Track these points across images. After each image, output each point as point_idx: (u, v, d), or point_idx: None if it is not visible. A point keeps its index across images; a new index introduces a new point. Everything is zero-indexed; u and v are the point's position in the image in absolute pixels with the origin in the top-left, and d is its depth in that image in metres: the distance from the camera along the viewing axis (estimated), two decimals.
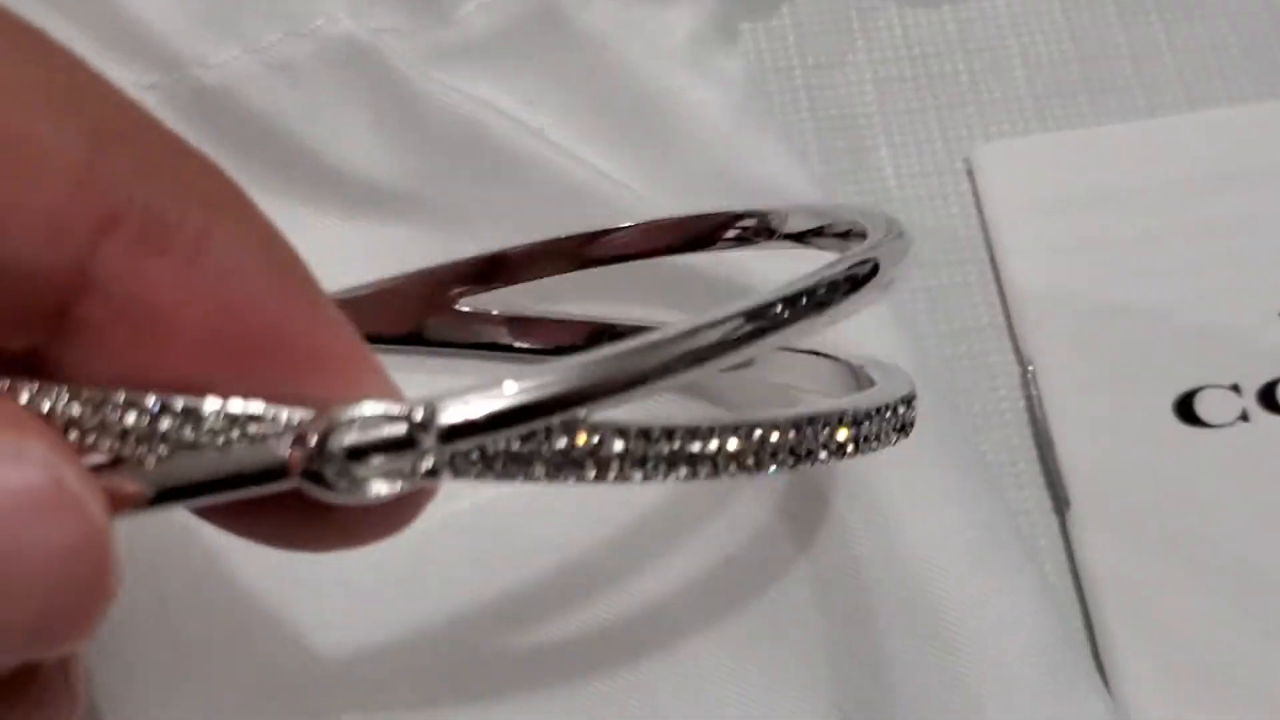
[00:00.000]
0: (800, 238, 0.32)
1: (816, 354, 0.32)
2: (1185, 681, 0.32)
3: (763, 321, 0.23)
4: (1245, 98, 0.39)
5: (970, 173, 0.38)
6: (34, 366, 0.21)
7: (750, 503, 0.33)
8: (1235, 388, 0.34)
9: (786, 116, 0.39)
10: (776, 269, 0.33)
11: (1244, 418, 0.34)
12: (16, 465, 0.19)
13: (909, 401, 0.27)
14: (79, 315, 0.20)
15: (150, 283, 0.20)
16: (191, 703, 0.31)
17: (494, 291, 0.35)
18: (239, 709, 0.31)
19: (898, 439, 0.26)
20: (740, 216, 0.33)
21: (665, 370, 0.22)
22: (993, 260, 0.37)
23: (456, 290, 0.35)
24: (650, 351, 0.22)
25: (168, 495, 0.20)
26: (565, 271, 0.34)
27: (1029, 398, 0.35)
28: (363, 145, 0.35)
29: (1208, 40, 0.40)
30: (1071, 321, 0.35)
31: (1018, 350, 0.36)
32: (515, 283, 0.35)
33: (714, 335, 0.22)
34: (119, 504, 0.20)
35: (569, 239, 0.34)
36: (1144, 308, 0.35)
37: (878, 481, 0.32)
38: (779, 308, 0.24)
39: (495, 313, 0.35)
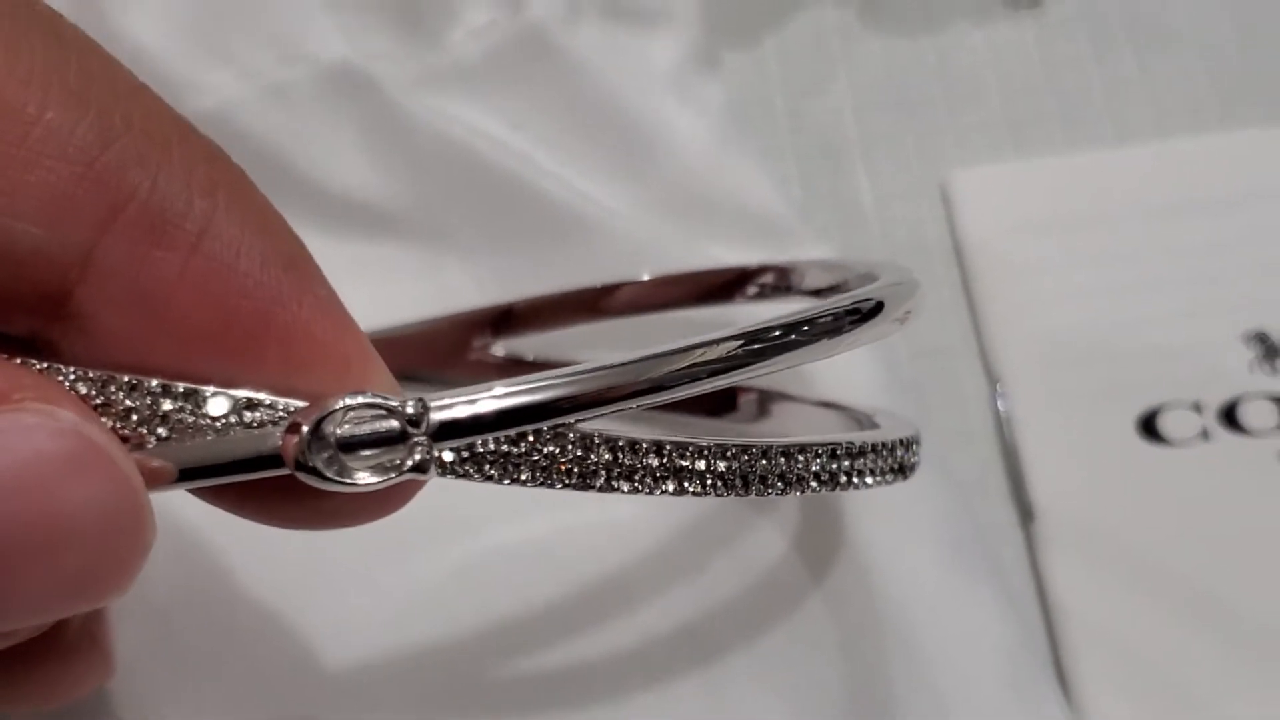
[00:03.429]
0: (818, 294, 0.33)
1: (826, 405, 0.33)
2: (1143, 691, 0.33)
3: (760, 344, 0.23)
4: (1213, 127, 0.40)
5: (945, 197, 0.39)
6: (35, 351, 0.21)
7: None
8: (1196, 407, 0.35)
9: (767, 142, 0.40)
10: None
11: (1204, 436, 0.35)
12: (49, 430, 0.19)
13: (909, 445, 0.27)
14: (80, 301, 0.21)
15: (152, 273, 0.20)
16: (188, 706, 0.31)
17: (511, 339, 0.36)
18: (235, 712, 0.31)
19: (895, 479, 0.27)
20: (759, 271, 0.34)
21: (658, 385, 0.22)
22: (965, 281, 0.38)
23: (477, 340, 0.36)
24: (644, 366, 0.22)
25: None
26: (581, 323, 0.35)
27: (997, 414, 0.36)
28: (353, 167, 0.36)
29: (1178, 71, 0.41)
30: (1039, 341, 0.36)
31: (987, 368, 0.37)
32: (532, 332, 0.35)
33: (710, 354, 0.23)
34: (145, 480, 0.21)
35: (585, 290, 0.35)
36: (1110, 328, 0.36)
37: (846, 495, 0.33)
38: (777, 332, 0.24)
39: (529, 358, 0.36)
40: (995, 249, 0.38)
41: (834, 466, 0.25)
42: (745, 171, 0.37)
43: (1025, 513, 0.35)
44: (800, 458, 0.24)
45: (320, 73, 0.36)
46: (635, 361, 0.22)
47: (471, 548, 0.33)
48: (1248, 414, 0.35)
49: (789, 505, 0.33)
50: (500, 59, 0.37)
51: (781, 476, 0.24)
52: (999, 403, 0.36)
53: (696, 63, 0.38)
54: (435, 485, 0.22)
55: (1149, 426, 0.35)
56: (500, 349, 0.36)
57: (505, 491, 0.29)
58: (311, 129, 0.36)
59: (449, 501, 0.32)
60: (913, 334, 0.37)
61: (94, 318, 0.21)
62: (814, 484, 0.25)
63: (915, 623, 0.32)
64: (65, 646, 0.23)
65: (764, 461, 0.24)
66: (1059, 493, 0.35)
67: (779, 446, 0.24)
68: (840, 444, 0.25)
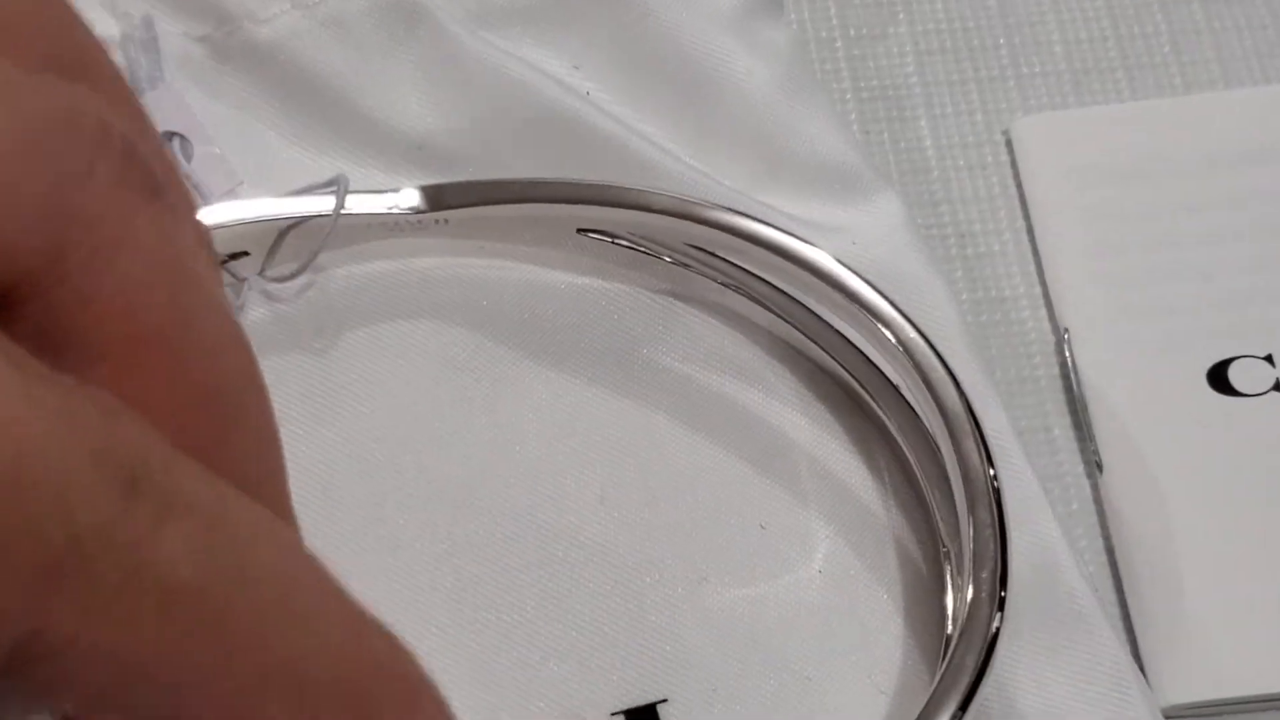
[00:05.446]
0: None
1: None
2: (1212, 643, 0.32)
3: None
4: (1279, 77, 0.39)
5: (1009, 144, 0.38)
6: None
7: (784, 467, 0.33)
8: (1269, 359, 0.35)
9: (829, 87, 0.39)
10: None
11: (1277, 388, 0.34)
12: None
13: None
14: None
15: None
16: None
17: None
18: None
19: None
20: None
21: None
22: (1029, 229, 0.37)
23: None
24: None
25: None
26: None
27: (1064, 364, 0.35)
28: (409, 101, 0.36)
29: (1244, 21, 0.40)
30: (1107, 289, 0.36)
31: (1053, 317, 0.36)
32: None
33: None
34: None
35: None
36: (1179, 277, 0.36)
37: None
38: None
39: None
40: (1062, 197, 0.37)
41: None
42: (808, 115, 0.36)
43: (1093, 464, 0.34)
44: None
45: (378, 4, 0.35)
46: None
47: None
48: None
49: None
50: None
51: None
52: (1066, 352, 0.35)
53: (761, 5, 0.37)
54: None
55: (1219, 378, 0.35)
56: None
57: None
58: (368, 61, 0.35)
59: None
60: (977, 282, 0.37)
61: None
62: None
63: None
64: None
65: None
66: (1128, 444, 0.34)
67: None
68: None
